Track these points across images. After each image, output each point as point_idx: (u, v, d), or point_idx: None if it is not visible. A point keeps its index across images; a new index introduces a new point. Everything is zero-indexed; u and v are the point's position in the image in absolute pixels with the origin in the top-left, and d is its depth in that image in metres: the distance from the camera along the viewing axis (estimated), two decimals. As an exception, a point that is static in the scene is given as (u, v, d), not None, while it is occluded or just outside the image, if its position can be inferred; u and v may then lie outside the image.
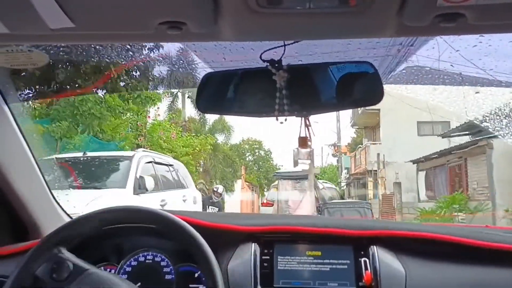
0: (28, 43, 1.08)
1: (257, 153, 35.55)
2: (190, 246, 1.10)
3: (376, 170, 20.25)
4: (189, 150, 15.48)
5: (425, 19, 0.75)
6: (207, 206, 9.67)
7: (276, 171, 17.68)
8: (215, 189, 10.48)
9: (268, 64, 1.09)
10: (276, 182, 17.40)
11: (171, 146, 14.13)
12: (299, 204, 14.61)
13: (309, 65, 1.27)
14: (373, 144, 21.65)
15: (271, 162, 35.43)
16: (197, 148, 16.40)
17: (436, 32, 0.91)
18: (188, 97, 21.90)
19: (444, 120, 17.48)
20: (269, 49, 1.09)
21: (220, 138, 25.07)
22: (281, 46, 1.09)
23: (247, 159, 34.21)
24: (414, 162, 17.69)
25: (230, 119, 25.09)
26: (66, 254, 1.10)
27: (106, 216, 1.16)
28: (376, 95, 1.15)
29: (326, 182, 19.90)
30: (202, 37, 0.88)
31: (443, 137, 16.00)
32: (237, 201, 20.93)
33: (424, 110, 16.33)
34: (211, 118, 24.80)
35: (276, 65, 1.09)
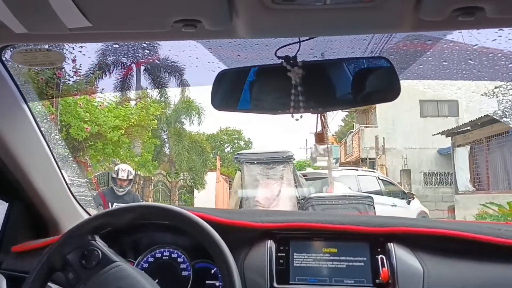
0: (46, 42, 1.10)
1: (236, 144, 32.68)
2: (206, 243, 1.10)
3: (372, 158, 17.14)
4: (122, 124, 11.95)
5: (443, 13, 0.74)
6: (109, 204, 5.82)
7: (238, 152, 12.14)
8: (115, 175, 6.04)
9: (283, 60, 1.09)
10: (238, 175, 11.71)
11: (95, 117, 10.91)
12: (273, 200, 10.24)
13: (324, 61, 1.26)
14: (368, 127, 18.38)
15: (252, 153, 32.67)
16: (133, 121, 12.61)
17: (454, 27, 0.90)
18: (144, 69, 18.10)
19: (451, 99, 14.59)
20: (284, 46, 1.09)
21: (187, 121, 21.30)
22: (296, 42, 1.08)
23: (226, 150, 31.81)
24: (448, 134, 13.31)
25: (200, 101, 21.06)
26: (99, 242, 1.11)
27: (141, 211, 1.16)
28: (393, 91, 1.14)
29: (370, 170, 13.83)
30: (217, 34, 0.88)
31: (447, 136, 13.16)
32: (211, 196, 17.41)
33: (428, 87, 13.50)
34: (177, 96, 21.07)
35: (291, 61, 1.09)
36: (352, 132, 20.62)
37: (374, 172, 12.64)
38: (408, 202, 11.47)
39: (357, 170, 12.70)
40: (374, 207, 9.26)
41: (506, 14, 0.76)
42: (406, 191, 12.23)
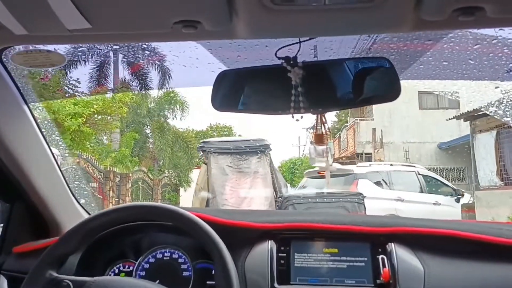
0: (46, 44, 1.10)
1: None
2: (206, 243, 1.10)
3: (369, 153, 15.88)
4: (83, 111, 10.40)
5: (443, 13, 0.74)
6: None
7: (203, 141, 10.06)
8: None
9: (284, 61, 1.09)
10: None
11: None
12: (245, 198, 8.54)
13: (324, 62, 1.26)
14: (364, 120, 17.02)
15: (244, 149, 31.36)
16: (96, 108, 11.01)
17: (454, 26, 0.90)
18: (123, 56, 15.54)
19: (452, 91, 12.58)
20: (284, 46, 1.09)
21: (171, 115, 19.90)
22: (297, 43, 1.08)
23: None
24: (466, 118, 11.16)
25: (183, 93, 19.39)
26: (60, 275, 1.09)
27: (99, 221, 1.14)
28: (393, 91, 1.14)
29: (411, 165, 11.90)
30: (217, 35, 0.89)
31: (465, 120, 10.82)
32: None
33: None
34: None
35: (292, 62, 1.09)
36: (347, 126, 19.24)
37: (413, 166, 11.14)
38: (458, 200, 10.19)
39: (391, 165, 11.12)
40: (364, 205, 8.22)
41: (506, 13, 0.76)
42: (455, 188, 10.73)
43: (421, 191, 10.24)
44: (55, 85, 9.92)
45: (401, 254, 1.23)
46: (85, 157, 11.47)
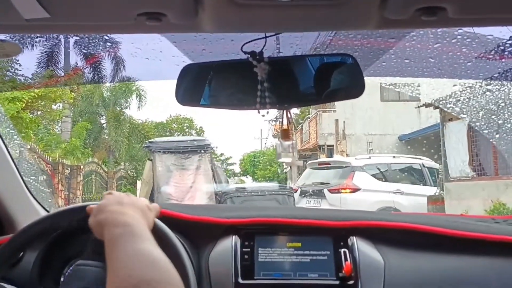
0: (2, 33, 1.05)
1: (187, 132, 30.40)
2: (160, 240, 1.10)
3: (331, 145, 15.72)
4: (23, 95, 9.60)
5: (407, 12, 0.75)
6: None
7: (149, 140, 11.32)
8: None
9: (249, 56, 1.08)
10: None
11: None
12: (187, 193, 9.49)
13: (290, 57, 1.26)
14: (326, 112, 16.75)
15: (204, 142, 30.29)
16: (37, 92, 10.14)
17: (417, 26, 0.92)
18: (75, 42, 14.67)
19: (412, 82, 11.77)
20: (250, 41, 1.08)
21: (127, 104, 19.27)
22: (262, 38, 1.08)
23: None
24: (436, 106, 10.18)
25: (146, 86, 19.06)
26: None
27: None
28: (357, 87, 1.15)
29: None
30: (182, 28, 0.87)
31: (435, 107, 10.17)
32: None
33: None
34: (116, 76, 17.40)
35: (257, 57, 1.08)
36: (309, 117, 18.97)
37: (419, 158, 10.49)
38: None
39: (394, 157, 10.79)
40: (294, 198, 9.05)
41: (467, 14, 0.78)
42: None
43: (425, 184, 9.92)
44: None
45: (362, 247, 1.26)
46: (29, 147, 10.72)
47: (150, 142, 10.66)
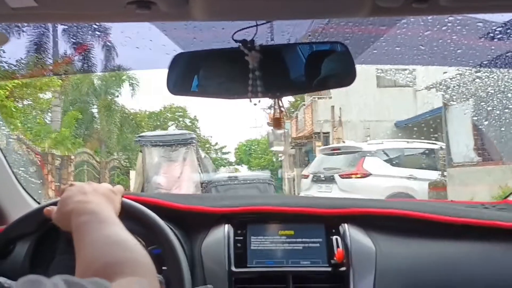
0: (-13, 22, 1.03)
1: (181, 122, 30.88)
2: (150, 228, 1.10)
3: (327, 132, 15.53)
4: (6, 83, 9.13)
5: (398, 0, 0.75)
6: None
7: (140, 135, 12.16)
8: None
9: (241, 44, 1.08)
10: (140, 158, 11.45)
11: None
12: (175, 183, 10.35)
13: (281, 46, 1.25)
14: (321, 98, 16.25)
15: (198, 131, 29.84)
16: (20, 80, 9.61)
17: (408, 13, 0.91)
18: (64, 30, 14.67)
19: (408, 67, 11.87)
20: (241, 30, 1.07)
21: (118, 93, 18.81)
22: (253, 26, 1.07)
23: (170, 129, 28.04)
24: (438, 89, 9.82)
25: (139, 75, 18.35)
26: None
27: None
28: (349, 75, 1.15)
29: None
30: (172, 17, 0.86)
31: (437, 90, 9.72)
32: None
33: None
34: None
35: (249, 45, 1.07)
36: (304, 105, 18.54)
37: (434, 144, 10.09)
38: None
39: (407, 142, 10.40)
40: (274, 186, 9.76)
41: (458, 2, 0.78)
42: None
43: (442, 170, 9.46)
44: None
45: (354, 234, 1.27)
46: (16, 137, 10.50)
47: (140, 136, 11.60)
